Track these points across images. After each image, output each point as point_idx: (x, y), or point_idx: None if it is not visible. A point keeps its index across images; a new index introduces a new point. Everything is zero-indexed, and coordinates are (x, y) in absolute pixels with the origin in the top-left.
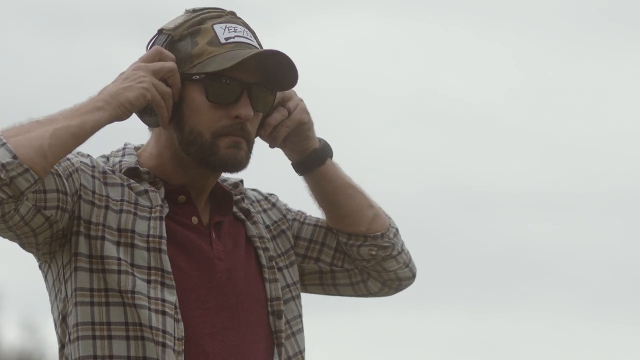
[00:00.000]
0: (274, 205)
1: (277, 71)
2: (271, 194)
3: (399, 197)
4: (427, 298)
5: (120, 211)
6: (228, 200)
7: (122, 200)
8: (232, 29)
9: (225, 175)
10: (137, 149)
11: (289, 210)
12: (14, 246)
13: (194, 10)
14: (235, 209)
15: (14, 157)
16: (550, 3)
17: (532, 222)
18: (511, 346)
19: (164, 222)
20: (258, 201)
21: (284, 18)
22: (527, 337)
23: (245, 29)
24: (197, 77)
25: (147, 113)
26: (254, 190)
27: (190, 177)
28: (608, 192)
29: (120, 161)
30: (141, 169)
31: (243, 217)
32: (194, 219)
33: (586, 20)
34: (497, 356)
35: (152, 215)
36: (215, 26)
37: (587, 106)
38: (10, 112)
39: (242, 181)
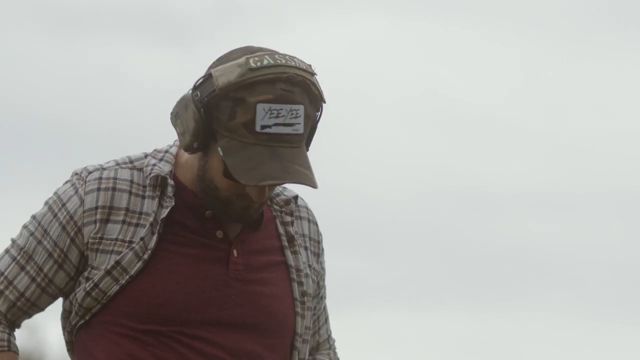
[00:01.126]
0: (317, 255)
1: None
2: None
3: (401, 197)
4: (429, 298)
5: (111, 252)
6: (261, 215)
7: (116, 239)
8: (275, 113)
9: (280, 187)
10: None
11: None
12: (13, 236)
13: (252, 69)
14: (281, 231)
15: None
16: (551, 3)
17: (534, 223)
18: (512, 346)
19: (131, 252)
20: (311, 238)
21: (288, 19)
22: (527, 338)
23: (292, 108)
24: (221, 152)
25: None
26: (316, 224)
27: None
28: (609, 192)
29: (155, 164)
30: (169, 181)
31: (286, 243)
32: (219, 233)
33: (588, 21)
34: (498, 356)
35: (137, 246)
36: (259, 106)
37: (588, 106)
38: (12, 114)
39: (296, 197)
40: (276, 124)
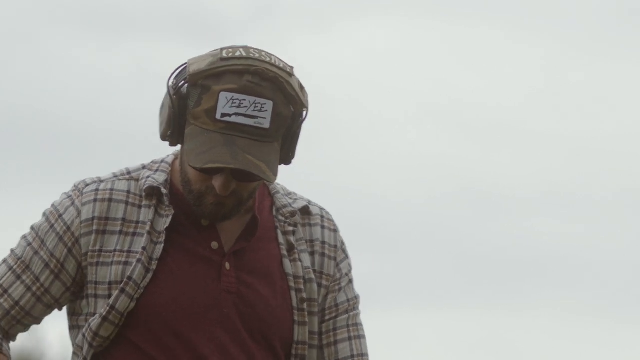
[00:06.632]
0: (334, 259)
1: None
2: (345, 250)
3: (416, 199)
4: (441, 298)
5: (111, 263)
6: (255, 225)
7: (114, 250)
8: (237, 103)
9: (290, 198)
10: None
11: (348, 281)
12: (13, 246)
13: (223, 59)
14: (282, 240)
15: None
16: (572, 3)
17: (551, 224)
18: (522, 345)
19: (140, 264)
20: (325, 243)
21: (327, 20)
22: (538, 336)
23: (257, 100)
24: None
25: (168, 135)
26: (334, 231)
27: None
28: (623, 192)
29: (149, 176)
30: (163, 190)
31: (285, 252)
32: (214, 245)
33: (609, 21)
34: (509, 355)
35: (142, 257)
36: (221, 94)
37: (607, 107)
38: (42, 115)
39: (305, 208)
40: (237, 114)
